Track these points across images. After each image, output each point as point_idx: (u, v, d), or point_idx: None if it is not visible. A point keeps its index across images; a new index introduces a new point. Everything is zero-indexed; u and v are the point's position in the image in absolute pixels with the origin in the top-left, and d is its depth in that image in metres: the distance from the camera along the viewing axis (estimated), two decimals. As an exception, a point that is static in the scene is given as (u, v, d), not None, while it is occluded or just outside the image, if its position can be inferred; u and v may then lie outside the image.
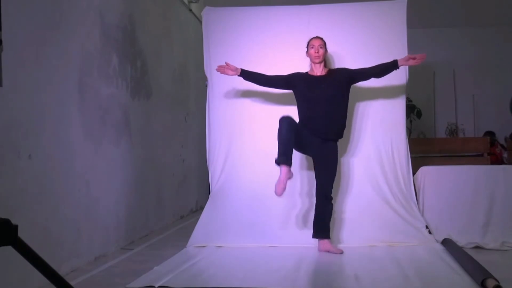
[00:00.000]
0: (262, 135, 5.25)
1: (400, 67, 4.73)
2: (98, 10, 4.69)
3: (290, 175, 4.39)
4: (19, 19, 3.44)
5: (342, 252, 4.53)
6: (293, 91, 4.81)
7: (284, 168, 4.33)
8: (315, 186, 4.72)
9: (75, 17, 4.25)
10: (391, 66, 4.70)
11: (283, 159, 4.36)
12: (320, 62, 4.74)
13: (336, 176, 4.75)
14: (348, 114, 4.90)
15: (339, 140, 4.79)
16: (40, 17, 3.74)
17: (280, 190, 4.31)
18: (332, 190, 4.69)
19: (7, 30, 3.24)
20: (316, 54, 4.71)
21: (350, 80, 4.75)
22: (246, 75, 4.84)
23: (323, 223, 4.64)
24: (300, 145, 4.64)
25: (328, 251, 4.55)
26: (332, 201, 4.71)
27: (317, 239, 4.68)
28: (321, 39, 4.77)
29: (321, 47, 4.72)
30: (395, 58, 4.74)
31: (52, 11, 3.90)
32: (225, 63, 4.85)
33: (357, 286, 3.56)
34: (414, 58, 4.66)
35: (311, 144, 4.65)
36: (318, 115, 4.60)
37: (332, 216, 4.72)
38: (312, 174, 4.87)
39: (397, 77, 5.15)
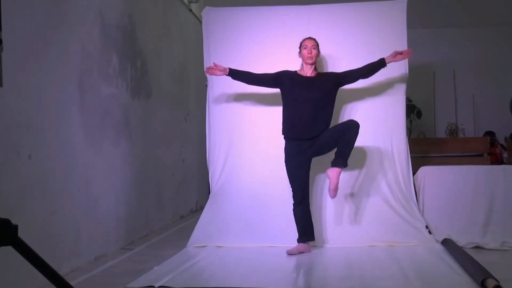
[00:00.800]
0: (262, 135, 5.25)
1: (400, 65, 4.73)
2: (98, 10, 4.69)
3: (305, 250, 4.58)
4: (19, 19, 3.44)
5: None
6: (280, 89, 4.77)
7: (302, 245, 4.61)
8: (337, 146, 4.49)
9: (75, 17, 4.25)
10: (379, 64, 4.68)
11: (303, 238, 4.65)
12: (312, 63, 4.71)
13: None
14: (348, 114, 4.88)
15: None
16: (40, 17, 3.74)
17: (291, 252, 4.56)
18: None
19: (7, 30, 3.24)
20: (309, 55, 4.67)
21: (337, 83, 4.71)
22: (234, 74, 4.81)
23: (348, 150, 4.45)
24: (305, 174, 4.66)
25: (331, 180, 4.46)
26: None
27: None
28: (314, 40, 4.74)
29: (314, 48, 4.69)
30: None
31: (52, 11, 3.90)
32: (213, 63, 4.83)
33: (357, 286, 3.57)
34: (401, 53, 4.68)
35: (304, 155, 4.60)
36: (303, 116, 4.55)
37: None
38: (314, 176, 4.88)
39: (397, 77, 5.15)
